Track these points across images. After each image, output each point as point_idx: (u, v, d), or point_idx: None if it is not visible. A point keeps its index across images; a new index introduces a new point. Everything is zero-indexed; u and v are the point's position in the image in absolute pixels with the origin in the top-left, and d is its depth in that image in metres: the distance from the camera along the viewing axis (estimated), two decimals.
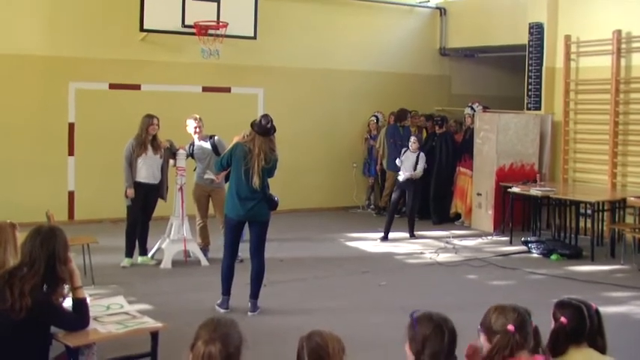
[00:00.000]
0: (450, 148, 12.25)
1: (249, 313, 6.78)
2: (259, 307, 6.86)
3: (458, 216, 12.22)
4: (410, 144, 10.71)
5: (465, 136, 12.30)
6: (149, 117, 8.47)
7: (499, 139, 11.29)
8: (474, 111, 12.30)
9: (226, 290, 6.86)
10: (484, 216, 11.48)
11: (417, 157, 10.56)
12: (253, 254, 6.81)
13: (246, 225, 6.87)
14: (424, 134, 12.88)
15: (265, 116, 6.68)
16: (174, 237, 8.66)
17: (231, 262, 6.83)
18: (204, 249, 8.85)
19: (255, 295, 6.85)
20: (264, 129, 6.57)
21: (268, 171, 6.66)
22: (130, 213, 8.53)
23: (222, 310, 6.75)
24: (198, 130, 8.71)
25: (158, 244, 8.79)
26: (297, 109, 12.73)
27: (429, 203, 12.21)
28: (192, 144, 8.80)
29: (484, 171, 11.54)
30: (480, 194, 11.59)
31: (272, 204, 6.73)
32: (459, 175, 12.23)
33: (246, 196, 6.63)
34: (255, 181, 6.52)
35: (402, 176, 10.43)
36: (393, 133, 12.48)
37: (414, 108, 13.25)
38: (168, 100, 11.51)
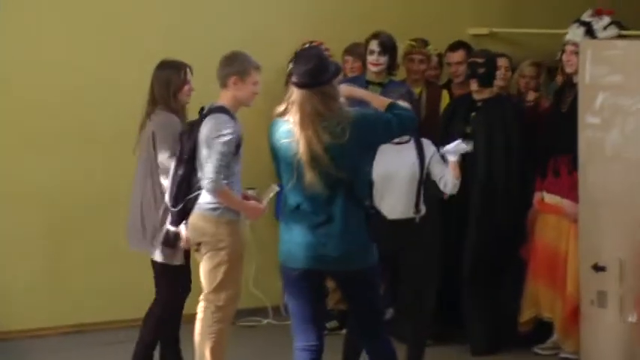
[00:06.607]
0: (512, 141, 9.21)
1: None
2: None
3: (545, 329, 9.12)
4: None
5: (554, 107, 9.15)
6: (181, 66, 7.75)
7: None
8: (593, 34, 9.23)
9: None
10: (614, 328, 8.67)
11: (421, 153, 7.92)
12: (360, 337, 6.69)
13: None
14: (444, 100, 10.04)
15: (306, 51, 7.02)
16: None
17: (307, 354, 6.34)
18: None
19: None
20: (303, 74, 5.92)
21: (343, 154, 5.88)
22: (175, 285, 7.76)
23: None
24: None
25: None
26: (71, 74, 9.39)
27: (461, 294, 8.99)
28: None
29: (612, 201, 8.54)
30: (603, 268, 8.57)
31: (368, 224, 6.05)
32: (539, 214, 9.01)
33: (309, 219, 5.94)
34: (309, 179, 5.85)
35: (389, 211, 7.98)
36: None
37: (416, 34, 10.22)
38: None
